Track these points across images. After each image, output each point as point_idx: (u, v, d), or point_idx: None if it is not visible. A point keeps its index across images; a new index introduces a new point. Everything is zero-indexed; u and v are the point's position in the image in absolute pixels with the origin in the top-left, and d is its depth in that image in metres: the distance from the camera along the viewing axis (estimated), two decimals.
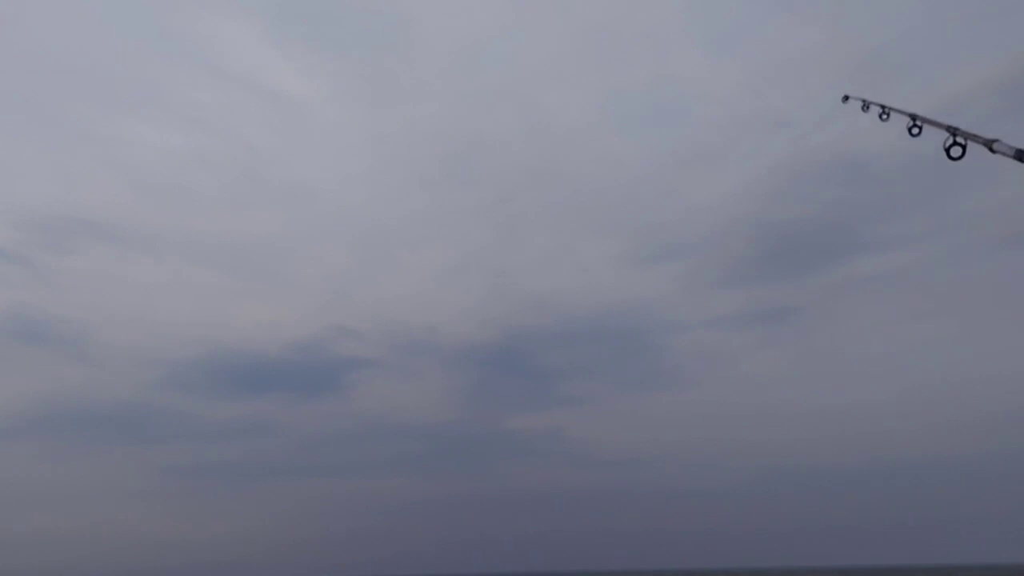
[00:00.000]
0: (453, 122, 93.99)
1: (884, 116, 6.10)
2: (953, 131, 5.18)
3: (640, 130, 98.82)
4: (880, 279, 71.74)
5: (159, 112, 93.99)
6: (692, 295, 79.34)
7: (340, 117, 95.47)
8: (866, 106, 6.30)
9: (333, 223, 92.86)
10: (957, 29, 78.01)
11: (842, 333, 73.78)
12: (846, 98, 6.54)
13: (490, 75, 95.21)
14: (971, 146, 5.11)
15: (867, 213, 77.10)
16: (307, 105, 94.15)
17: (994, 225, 59.88)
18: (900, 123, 5.69)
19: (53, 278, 67.99)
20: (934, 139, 5.31)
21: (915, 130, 5.58)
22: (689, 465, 61.78)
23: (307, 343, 70.98)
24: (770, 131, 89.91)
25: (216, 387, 69.04)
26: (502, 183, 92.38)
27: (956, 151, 5.16)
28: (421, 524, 60.47)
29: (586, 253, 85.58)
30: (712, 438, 64.76)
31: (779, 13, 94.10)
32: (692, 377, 70.02)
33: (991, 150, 4.99)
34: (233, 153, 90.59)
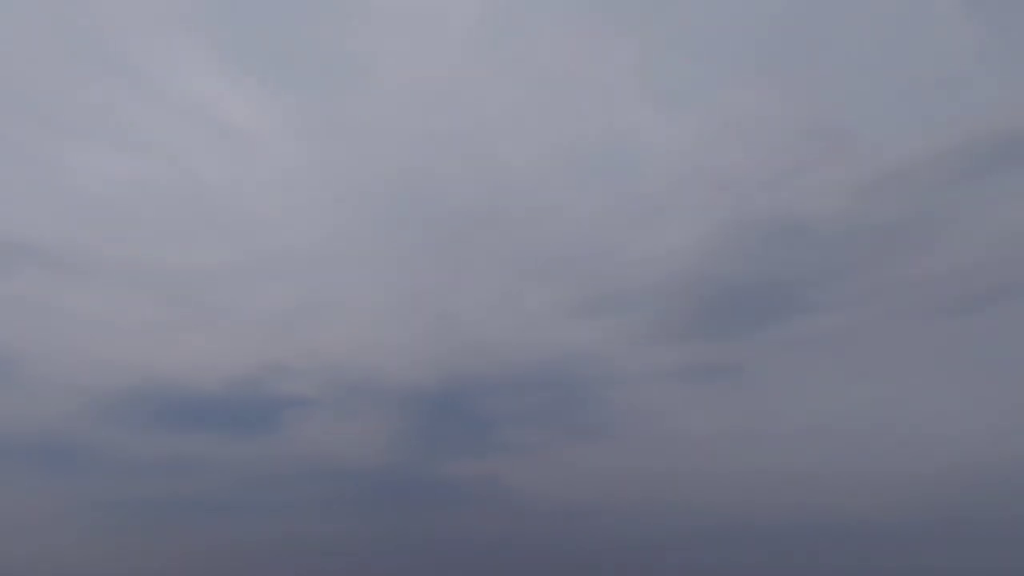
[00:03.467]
0: (405, 162, 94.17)
1: None
2: None
3: (588, 181, 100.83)
4: (818, 340, 73.80)
5: (103, 137, 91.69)
6: (632, 348, 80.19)
7: (289, 152, 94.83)
8: None
9: (277, 258, 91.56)
10: (903, 99, 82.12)
11: (779, 392, 75.41)
12: None
13: (444, 118, 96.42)
14: None
15: (807, 275, 79.59)
16: (257, 138, 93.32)
17: (931, 292, 62.27)
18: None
19: None
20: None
21: None
22: (625, 518, 61.75)
23: (244, 379, 69.23)
24: (716, 190, 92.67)
25: (147, 421, 66.55)
26: (450, 226, 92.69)
27: None
28: (354, 567, 58.79)
29: (529, 301, 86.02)
30: (648, 494, 64.88)
31: (728, 76, 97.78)
32: (629, 430, 70.46)
33: None
34: (178, 182, 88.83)
